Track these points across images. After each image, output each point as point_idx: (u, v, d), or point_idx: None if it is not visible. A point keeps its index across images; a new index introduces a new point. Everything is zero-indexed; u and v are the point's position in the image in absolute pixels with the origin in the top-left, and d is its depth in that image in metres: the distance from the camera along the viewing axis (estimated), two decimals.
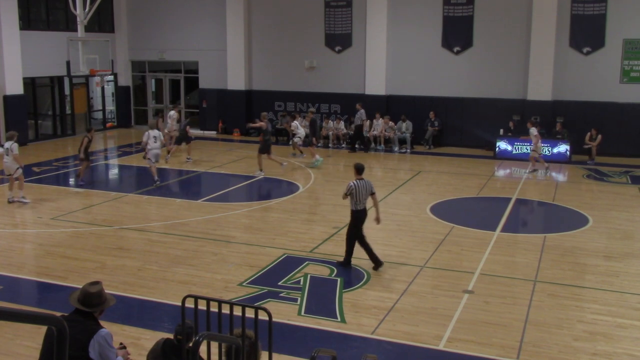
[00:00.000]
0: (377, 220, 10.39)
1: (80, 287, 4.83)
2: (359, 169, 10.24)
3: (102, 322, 4.82)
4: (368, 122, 21.86)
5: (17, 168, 13.89)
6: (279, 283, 9.55)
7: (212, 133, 25.04)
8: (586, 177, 17.73)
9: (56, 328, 2.86)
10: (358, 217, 10.17)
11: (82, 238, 11.74)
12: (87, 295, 4.59)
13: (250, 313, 5.18)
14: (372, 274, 9.91)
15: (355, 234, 10.19)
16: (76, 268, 10.12)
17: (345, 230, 12.20)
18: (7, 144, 13.93)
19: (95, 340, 4.47)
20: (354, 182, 10.07)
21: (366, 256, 10.79)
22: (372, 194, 10.20)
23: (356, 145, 21.62)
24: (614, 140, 20.15)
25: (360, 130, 21.52)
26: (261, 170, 17.27)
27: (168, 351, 5.37)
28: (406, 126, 21.76)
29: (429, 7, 22.12)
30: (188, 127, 19.84)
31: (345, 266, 10.21)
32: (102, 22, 25.91)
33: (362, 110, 21.47)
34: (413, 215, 13.49)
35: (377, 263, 10.12)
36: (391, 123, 21.86)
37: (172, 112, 20.71)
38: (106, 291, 4.90)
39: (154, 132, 16.01)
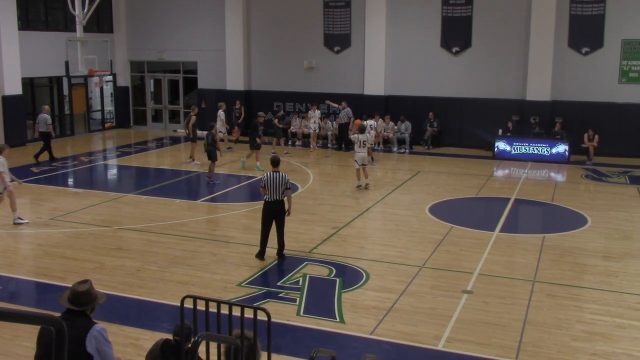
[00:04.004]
0: (287, 212, 10.60)
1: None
2: (274, 162, 10.63)
3: (102, 323, 4.82)
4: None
5: (4, 188, 12.22)
6: (278, 283, 9.56)
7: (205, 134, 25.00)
8: (585, 177, 17.74)
9: (55, 328, 2.86)
10: (265, 208, 10.43)
11: (81, 238, 11.73)
12: (76, 294, 4.61)
13: (249, 313, 5.18)
14: (371, 274, 9.91)
15: (263, 224, 10.47)
16: (75, 268, 10.11)
17: (343, 231, 12.28)
18: None
19: (92, 335, 4.50)
20: (268, 173, 10.41)
21: (365, 256, 10.82)
22: (287, 188, 10.44)
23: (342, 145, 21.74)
24: (613, 141, 20.16)
25: (345, 128, 21.48)
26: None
27: (167, 352, 5.37)
28: (405, 127, 21.77)
29: (427, 7, 22.13)
30: (276, 120, 20.48)
31: (281, 258, 10.55)
32: (101, 22, 25.90)
33: (348, 109, 21.52)
34: (412, 216, 13.49)
35: (261, 254, 10.49)
36: (391, 123, 21.88)
37: (314, 111, 22.14)
38: (104, 291, 4.89)
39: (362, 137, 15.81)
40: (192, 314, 5.31)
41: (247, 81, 24.95)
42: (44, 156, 19.10)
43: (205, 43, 25.24)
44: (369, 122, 19.44)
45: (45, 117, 19.26)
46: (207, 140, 16.42)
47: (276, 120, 20.68)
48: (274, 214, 10.43)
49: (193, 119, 18.87)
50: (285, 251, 10.70)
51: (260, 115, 18.81)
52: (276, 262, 10.48)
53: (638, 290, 9.40)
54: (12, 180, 12.67)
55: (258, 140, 17.94)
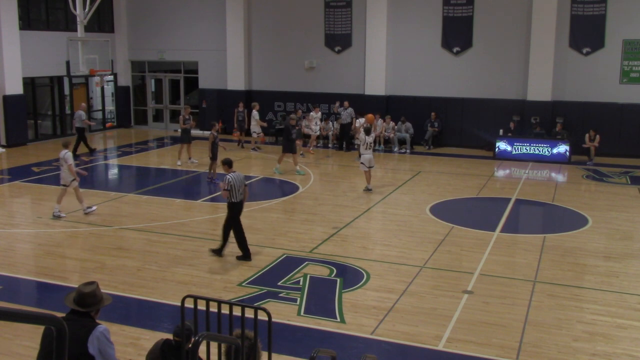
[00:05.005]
0: None
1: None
2: (230, 163, 10.69)
3: (102, 323, 4.82)
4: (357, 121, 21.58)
5: (72, 180, 12.98)
6: (279, 283, 9.56)
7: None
8: (586, 177, 17.74)
9: (55, 328, 2.87)
10: (236, 209, 10.46)
11: (81, 238, 11.74)
12: (81, 295, 4.61)
13: (249, 313, 5.18)
14: (371, 274, 9.91)
15: (232, 226, 10.49)
16: (76, 268, 10.12)
17: (343, 231, 12.27)
18: (61, 153, 13.03)
19: (94, 335, 4.49)
20: (231, 175, 10.39)
21: (366, 256, 10.82)
22: (245, 185, 10.60)
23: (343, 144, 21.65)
24: (614, 141, 20.16)
25: (347, 129, 21.38)
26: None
27: (167, 352, 5.38)
28: (405, 128, 21.72)
29: (428, 7, 22.13)
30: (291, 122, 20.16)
31: (219, 255, 10.58)
32: (102, 22, 25.91)
33: (351, 109, 21.42)
34: (413, 216, 13.49)
35: (245, 255, 10.49)
36: (392, 123, 21.85)
37: (317, 112, 21.70)
38: (104, 291, 4.89)
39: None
40: (192, 314, 5.31)
41: (248, 81, 24.95)
42: (82, 148, 20.48)
43: (206, 43, 25.25)
44: (361, 121, 19.46)
45: (80, 113, 20.43)
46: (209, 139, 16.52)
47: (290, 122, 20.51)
48: (240, 214, 10.55)
49: (181, 118, 18.92)
50: (286, 251, 10.70)
51: (292, 118, 18.43)
52: (277, 261, 10.47)
53: (639, 290, 9.40)
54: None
55: (290, 142, 17.67)
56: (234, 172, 10.50)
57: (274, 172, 17.63)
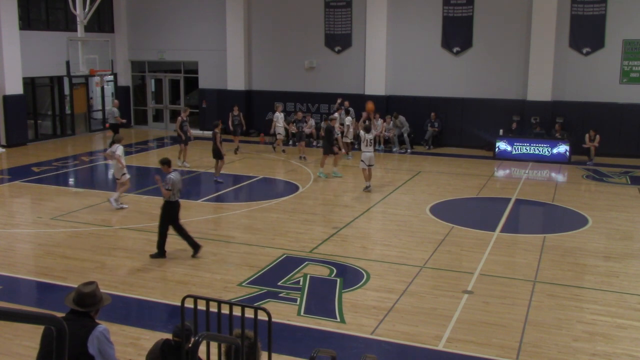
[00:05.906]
0: None
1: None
2: (169, 163, 10.76)
3: (103, 323, 4.81)
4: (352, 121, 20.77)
5: (123, 174, 13.87)
6: (279, 283, 9.55)
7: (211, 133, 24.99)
8: (586, 177, 17.73)
9: (55, 328, 2.87)
10: (175, 208, 10.54)
11: (81, 238, 11.74)
12: (81, 295, 4.61)
13: (249, 313, 5.18)
14: (371, 274, 9.91)
15: (170, 225, 10.52)
16: (76, 268, 10.12)
17: (343, 231, 12.27)
18: (113, 147, 14.00)
19: (94, 335, 4.50)
20: (172, 175, 10.43)
21: (366, 256, 10.82)
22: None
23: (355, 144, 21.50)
24: (614, 141, 20.15)
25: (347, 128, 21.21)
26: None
27: (167, 352, 5.38)
28: (400, 122, 21.45)
29: (428, 7, 22.13)
30: (291, 123, 19.98)
31: (160, 257, 10.55)
32: (101, 22, 25.91)
33: (350, 109, 21.19)
34: (413, 216, 13.49)
35: (195, 248, 10.59)
36: (392, 122, 21.76)
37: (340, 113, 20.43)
38: (104, 291, 4.89)
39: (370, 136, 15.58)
40: (192, 314, 5.31)
41: (248, 81, 24.96)
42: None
43: (206, 43, 25.25)
44: (347, 119, 19.49)
45: (113, 110, 21.12)
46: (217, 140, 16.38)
47: (291, 123, 20.26)
48: (179, 212, 10.60)
49: (178, 120, 18.88)
50: (286, 251, 10.69)
51: (334, 118, 17.91)
52: (277, 261, 10.47)
53: (639, 290, 9.40)
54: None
55: (335, 148, 17.03)
56: (174, 170, 10.61)
57: (318, 176, 17.11)
